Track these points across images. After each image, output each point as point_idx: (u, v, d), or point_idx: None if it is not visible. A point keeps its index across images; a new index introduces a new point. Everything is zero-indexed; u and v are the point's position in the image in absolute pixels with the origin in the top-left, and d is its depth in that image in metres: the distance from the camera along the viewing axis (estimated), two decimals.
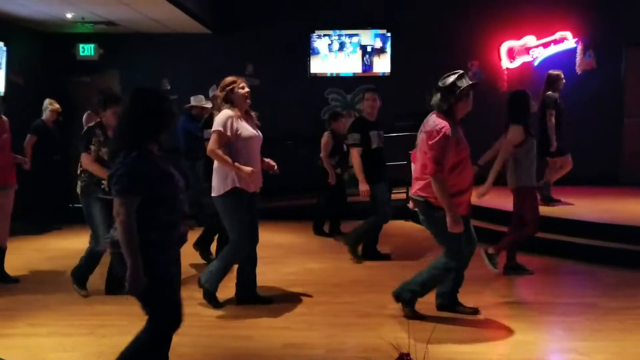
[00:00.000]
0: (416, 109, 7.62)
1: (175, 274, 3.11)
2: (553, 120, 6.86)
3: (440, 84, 4.22)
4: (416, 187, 4.29)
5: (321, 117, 9.96)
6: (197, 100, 8.21)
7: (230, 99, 4.58)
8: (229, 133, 4.50)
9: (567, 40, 9.72)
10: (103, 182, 4.78)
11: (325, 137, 7.48)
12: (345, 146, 7.48)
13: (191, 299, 5.06)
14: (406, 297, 4.43)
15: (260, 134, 4.74)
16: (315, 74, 9.98)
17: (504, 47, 9.82)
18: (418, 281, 4.42)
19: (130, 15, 8.45)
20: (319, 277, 5.79)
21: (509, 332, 4.23)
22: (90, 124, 5.04)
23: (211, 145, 4.53)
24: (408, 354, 1.55)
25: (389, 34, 10.01)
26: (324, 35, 10.05)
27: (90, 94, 10.36)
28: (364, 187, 6.07)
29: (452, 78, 4.18)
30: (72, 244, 7.23)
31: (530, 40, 9.76)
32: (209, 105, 7.46)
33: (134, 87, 3.11)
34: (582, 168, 7.94)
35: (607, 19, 9.62)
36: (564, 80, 7.07)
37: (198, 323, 4.48)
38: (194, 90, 10.19)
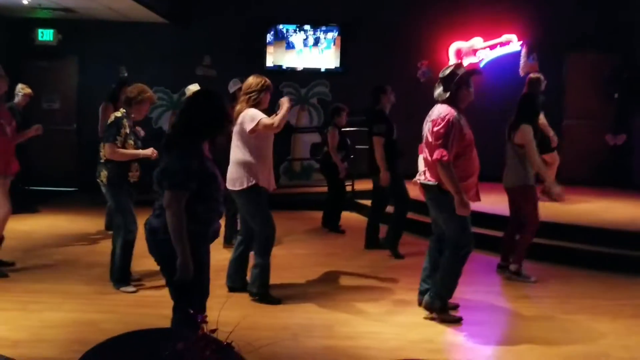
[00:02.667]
0: (366, 105, 7.91)
1: (208, 264, 3.27)
2: (544, 119, 7.39)
3: (440, 75, 4.46)
4: (428, 174, 4.46)
5: (275, 109, 10.27)
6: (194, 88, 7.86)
7: (259, 99, 4.79)
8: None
9: (512, 43, 10.16)
10: (129, 173, 5.00)
11: (331, 132, 7.55)
12: (348, 140, 7.71)
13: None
14: (437, 306, 4.49)
15: None
16: (270, 67, 10.25)
17: (453, 48, 10.22)
18: (440, 285, 4.49)
19: (86, 3, 8.63)
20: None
21: (417, 315, 4.64)
22: (117, 114, 5.04)
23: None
24: (214, 330, 1.83)
25: (341, 31, 10.30)
26: (300, 29, 10.29)
27: (48, 79, 10.60)
28: (385, 175, 6.29)
29: (450, 68, 4.42)
30: (20, 226, 7.45)
31: (477, 42, 10.18)
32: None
33: (201, 89, 3.24)
34: None
35: (550, 24, 10.08)
36: (544, 82, 7.42)
37: (124, 302, 4.81)
38: (152, 78, 10.42)
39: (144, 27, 10.24)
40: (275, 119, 4.66)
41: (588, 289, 5.42)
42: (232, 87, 6.83)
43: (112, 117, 5.04)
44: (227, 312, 4.60)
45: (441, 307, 4.51)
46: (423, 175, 4.56)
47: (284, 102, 4.78)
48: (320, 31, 10.30)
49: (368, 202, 8.74)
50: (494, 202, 7.05)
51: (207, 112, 3.17)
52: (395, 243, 6.51)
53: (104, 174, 5.04)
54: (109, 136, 4.94)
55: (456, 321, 4.51)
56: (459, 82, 4.37)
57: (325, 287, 5.33)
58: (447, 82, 4.40)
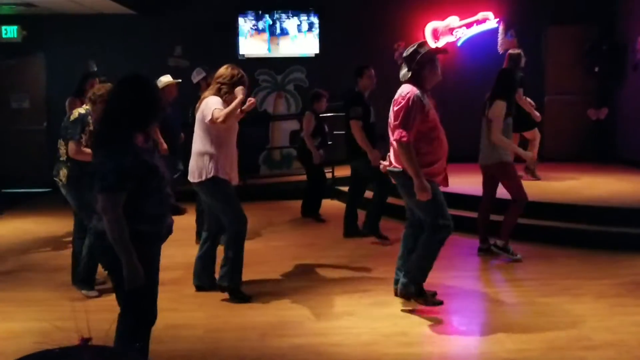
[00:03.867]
0: (344, 90, 7.64)
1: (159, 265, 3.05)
2: (523, 96, 7.31)
3: (403, 54, 4.26)
4: (393, 159, 4.26)
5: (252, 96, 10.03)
6: (166, 80, 7.61)
7: (230, 92, 4.51)
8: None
9: (489, 21, 9.93)
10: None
11: (307, 117, 7.30)
12: (326, 126, 7.44)
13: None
14: (412, 290, 4.29)
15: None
16: (244, 55, 9.98)
17: (429, 28, 9.97)
18: (414, 267, 4.28)
19: None
20: None
21: (392, 306, 4.44)
22: (81, 111, 4.75)
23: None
24: (89, 339, 1.63)
25: (316, 15, 10.01)
26: (293, 15, 9.95)
27: (15, 77, 10.28)
28: (374, 154, 5.96)
29: (413, 47, 4.19)
30: None
31: (453, 20, 9.95)
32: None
33: (123, 75, 2.91)
34: None
35: None
36: (524, 59, 7.26)
37: (85, 308, 4.55)
38: (122, 72, 10.12)
39: (111, 19, 9.91)
40: (221, 114, 4.36)
41: (570, 269, 5.25)
42: (195, 77, 6.61)
43: (75, 114, 4.74)
44: (194, 312, 4.46)
45: (417, 291, 4.32)
46: (388, 160, 4.37)
47: (238, 93, 4.46)
48: (294, 16, 9.98)
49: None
50: (472, 183, 6.88)
51: (135, 100, 2.81)
52: (376, 226, 6.31)
53: (63, 172, 4.78)
54: (74, 134, 4.65)
55: (437, 304, 4.33)
56: (421, 61, 4.15)
57: (299, 281, 5.12)
58: (409, 61, 4.20)
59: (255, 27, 10.02)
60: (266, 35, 10.05)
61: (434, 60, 4.23)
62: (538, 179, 7.80)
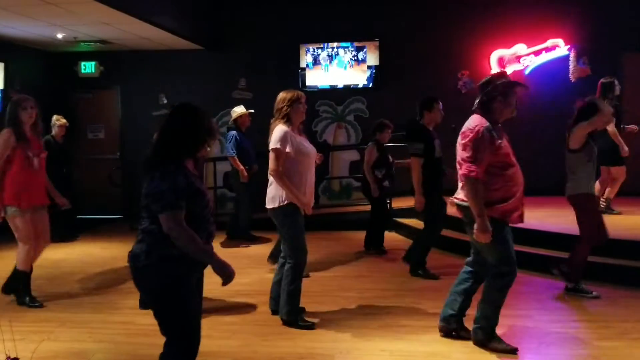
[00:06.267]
0: (405, 120, 7.50)
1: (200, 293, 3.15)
2: (614, 128, 6.90)
3: (480, 82, 4.10)
4: (461, 193, 4.04)
5: (312, 128, 10.09)
6: (240, 110, 8.14)
7: (287, 114, 4.62)
8: (288, 150, 4.55)
9: (559, 48, 9.54)
10: None
11: (369, 148, 7.22)
12: (390, 157, 7.32)
13: (125, 307, 5.23)
14: (480, 337, 4.09)
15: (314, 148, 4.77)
16: (306, 86, 10.07)
17: (494, 56, 9.70)
18: (482, 315, 4.08)
19: (117, 34, 8.75)
20: (269, 287, 5.84)
21: (428, 344, 4.22)
22: None
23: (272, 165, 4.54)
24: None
25: (377, 45, 9.98)
26: (354, 45, 9.95)
27: (92, 110, 10.88)
28: (420, 199, 5.89)
29: (490, 76, 4.04)
30: (53, 255, 7.52)
31: (520, 48, 9.63)
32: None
33: (177, 103, 3.12)
34: None
35: (603, 25, 9.41)
36: (618, 86, 6.96)
37: (125, 331, 4.66)
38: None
39: (180, 54, 10.34)
40: (276, 173, 4.51)
41: (633, 311, 4.82)
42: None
43: None
44: (227, 340, 4.42)
45: (485, 338, 4.05)
46: (460, 194, 4.07)
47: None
48: (355, 46, 10.01)
49: (407, 221, 8.36)
50: (543, 218, 6.54)
51: (184, 126, 2.97)
52: (416, 265, 6.11)
53: None
54: None
55: (510, 351, 3.98)
56: (492, 92, 3.92)
57: (336, 313, 4.98)
58: (481, 90, 4.01)
59: (317, 58, 10.11)
60: (327, 66, 10.10)
61: (507, 93, 3.95)
62: (617, 213, 7.34)
